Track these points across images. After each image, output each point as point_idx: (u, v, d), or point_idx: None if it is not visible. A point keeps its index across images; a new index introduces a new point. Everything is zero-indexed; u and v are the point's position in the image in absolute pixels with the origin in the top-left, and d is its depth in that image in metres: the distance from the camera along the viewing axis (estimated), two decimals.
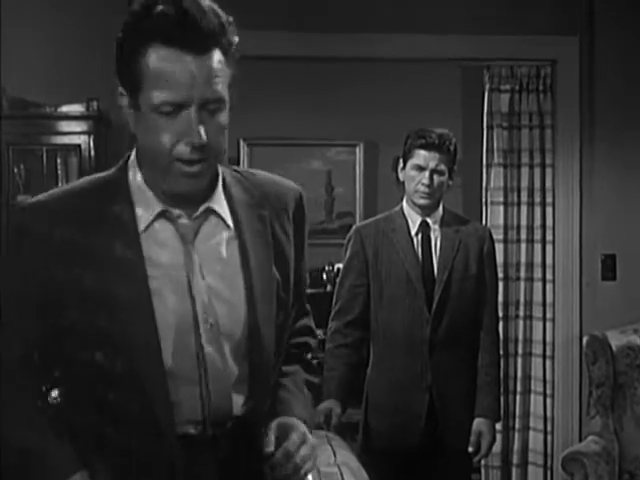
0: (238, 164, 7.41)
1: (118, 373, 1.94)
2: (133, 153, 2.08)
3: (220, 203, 2.06)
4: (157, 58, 1.86)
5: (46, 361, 2.03)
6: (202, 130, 1.88)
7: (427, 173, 4.07)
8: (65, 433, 1.99)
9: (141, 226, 1.98)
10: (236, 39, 1.93)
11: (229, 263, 2.06)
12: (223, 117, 1.94)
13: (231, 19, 1.92)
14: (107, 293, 1.92)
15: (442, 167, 4.09)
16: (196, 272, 2.00)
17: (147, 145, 1.95)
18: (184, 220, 2.01)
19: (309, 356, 2.34)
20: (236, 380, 2.06)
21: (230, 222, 2.06)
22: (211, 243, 2.05)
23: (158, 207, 2.00)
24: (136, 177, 2.04)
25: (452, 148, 4.12)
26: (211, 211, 2.04)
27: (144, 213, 2.00)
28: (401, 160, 4.20)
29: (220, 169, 2.09)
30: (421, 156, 4.08)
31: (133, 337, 1.93)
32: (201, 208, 2.02)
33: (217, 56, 1.89)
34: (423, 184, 4.08)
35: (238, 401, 2.06)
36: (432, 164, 4.07)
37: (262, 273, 2.07)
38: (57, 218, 1.97)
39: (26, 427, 1.98)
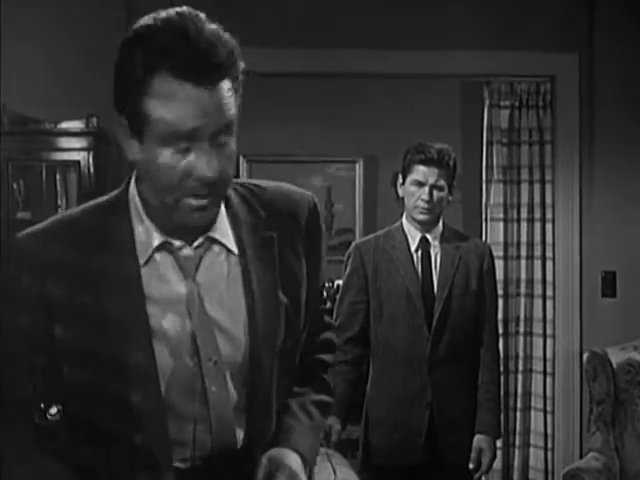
0: None
1: (115, 403, 1.89)
2: (133, 179, 1.98)
3: (223, 230, 1.98)
4: (165, 90, 1.75)
5: (45, 388, 1.95)
6: (214, 165, 1.79)
7: (426, 189, 4.07)
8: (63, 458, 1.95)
9: (141, 260, 1.91)
10: (242, 64, 1.84)
11: (231, 291, 1.99)
12: (233, 144, 1.85)
13: (236, 43, 1.82)
14: (106, 325, 1.87)
15: (441, 182, 4.08)
16: (196, 307, 1.93)
17: (152, 178, 1.83)
18: (185, 251, 1.94)
19: (324, 375, 2.27)
20: (235, 407, 2.01)
21: (234, 248, 1.98)
22: (213, 273, 1.97)
23: (157, 239, 1.92)
24: (137, 206, 1.95)
25: (451, 163, 4.12)
26: (212, 240, 1.97)
27: (144, 245, 1.92)
28: (400, 176, 4.20)
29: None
30: (420, 171, 4.08)
31: (133, 373, 1.87)
32: (201, 238, 1.94)
33: (226, 85, 1.79)
34: (423, 200, 4.07)
35: (239, 434, 2.01)
36: (431, 179, 4.07)
37: (265, 298, 2.00)
38: (55, 247, 1.91)
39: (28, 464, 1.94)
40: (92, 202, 2.05)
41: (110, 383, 1.88)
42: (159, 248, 1.93)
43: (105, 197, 2.04)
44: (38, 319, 1.90)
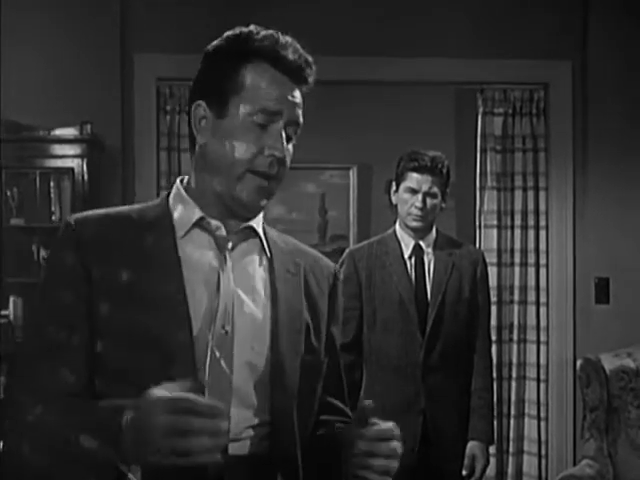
0: None
1: (152, 377, 1.84)
2: (173, 190, 2.10)
3: (259, 229, 2.08)
4: (262, 72, 1.98)
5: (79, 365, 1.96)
6: (284, 147, 1.98)
7: (420, 196, 4.07)
8: None
9: (179, 233, 2.00)
10: (312, 85, 2.07)
11: (259, 287, 2.04)
12: (292, 148, 2.05)
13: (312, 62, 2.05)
14: (144, 297, 1.92)
15: (435, 190, 4.09)
16: (227, 275, 1.98)
17: (223, 152, 1.97)
18: (222, 232, 2.02)
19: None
20: (256, 412, 1.99)
21: (268, 251, 2.07)
22: (246, 260, 2.04)
23: (197, 214, 2.01)
24: (180, 193, 2.07)
25: (445, 171, 4.13)
26: (252, 231, 2.06)
27: (182, 221, 2.02)
28: (394, 183, 4.21)
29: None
30: (414, 179, 4.08)
31: (170, 344, 1.90)
32: (243, 224, 2.04)
33: (300, 94, 2.05)
34: (416, 207, 4.08)
35: (254, 440, 1.99)
36: (425, 187, 4.07)
37: (290, 311, 2.04)
38: (101, 227, 1.99)
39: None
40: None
41: (147, 355, 1.90)
42: (197, 224, 2.01)
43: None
44: (80, 293, 1.94)
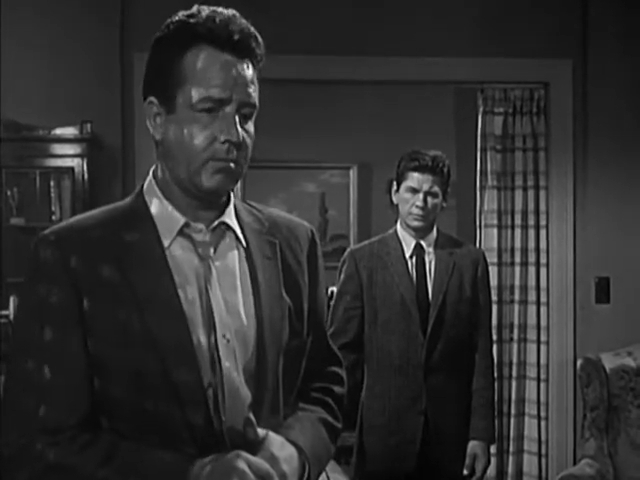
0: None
1: (153, 379, 1.90)
2: (147, 181, 2.08)
3: (233, 222, 2.07)
4: (202, 57, 1.94)
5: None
6: (238, 131, 1.94)
7: (421, 195, 4.07)
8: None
9: (165, 242, 1.98)
10: (263, 57, 2.03)
11: (242, 281, 2.05)
12: (252, 126, 2.02)
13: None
14: (140, 306, 1.92)
15: (436, 189, 4.09)
16: (214, 284, 1.99)
17: (180, 146, 1.96)
18: (202, 237, 2.01)
19: (335, 404, 2.27)
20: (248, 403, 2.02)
21: (243, 241, 2.07)
22: (227, 260, 2.04)
23: (180, 221, 2.00)
24: (156, 193, 2.05)
25: (445, 170, 4.12)
26: (227, 227, 2.05)
27: (166, 227, 2.00)
28: (395, 183, 4.20)
29: (232, 194, 2.11)
30: (414, 178, 4.08)
31: (171, 351, 1.91)
32: (216, 221, 2.03)
33: (251, 70, 1.99)
34: (417, 206, 4.08)
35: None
36: (426, 186, 4.07)
37: (271, 296, 2.06)
38: (80, 246, 1.95)
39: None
40: (109, 205, 2.10)
41: (147, 363, 1.90)
42: (179, 233, 2.00)
43: (120, 202, 2.11)
44: (70, 300, 1.92)
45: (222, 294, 2.00)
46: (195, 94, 1.93)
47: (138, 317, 1.90)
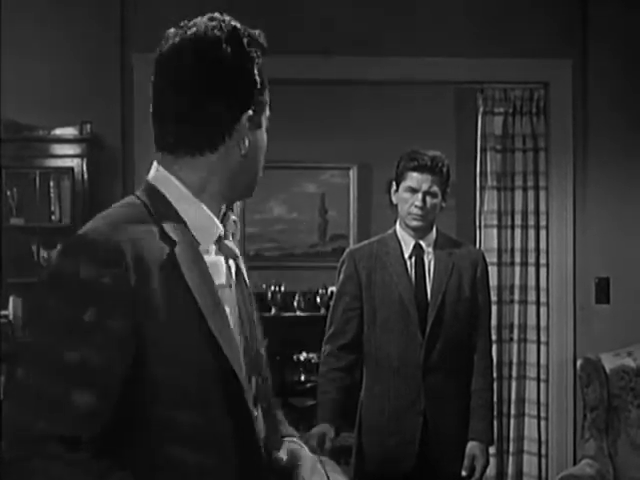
0: None
1: (204, 396, 1.89)
2: (179, 191, 1.99)
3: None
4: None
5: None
6: None
7: (420, 195, 4.07)
8: None
9: (202, 245, 1.97)
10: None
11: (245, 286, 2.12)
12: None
13: None
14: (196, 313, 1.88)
15: (435, 189, 4.09)
16: (234, 288, 2.05)
17: (259, 159, 2.10)
18: (226, 242, 2.05)
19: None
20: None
21: (237, 249, 2.10)
22: (240, 267, 2.11)
23: (219, 228, 2.01)
24: (193, 204, 1.99)
25: (444, 170, 4.13)
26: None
27: (204, 233, 1.99)
28: (394, 183, 4.20)
29: None
30: (413, 178, 4.08)
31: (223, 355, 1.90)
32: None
33: None
34: (416, 206, 4.08)
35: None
36: (424, 186, 4.07)
37: (252, 302, 2.14)
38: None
39: None
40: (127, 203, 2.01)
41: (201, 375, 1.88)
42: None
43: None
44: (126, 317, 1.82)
45: (245, 304, 2.09)
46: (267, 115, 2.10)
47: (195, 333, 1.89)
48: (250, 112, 1.99)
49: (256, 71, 2.00)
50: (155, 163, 2.02)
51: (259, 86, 2.02)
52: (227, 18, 2.01)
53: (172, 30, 2.00)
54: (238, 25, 2.01)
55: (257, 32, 2.05)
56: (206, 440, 1.87)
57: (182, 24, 2.01)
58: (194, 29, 1.98)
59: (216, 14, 2.02)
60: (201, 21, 2.00)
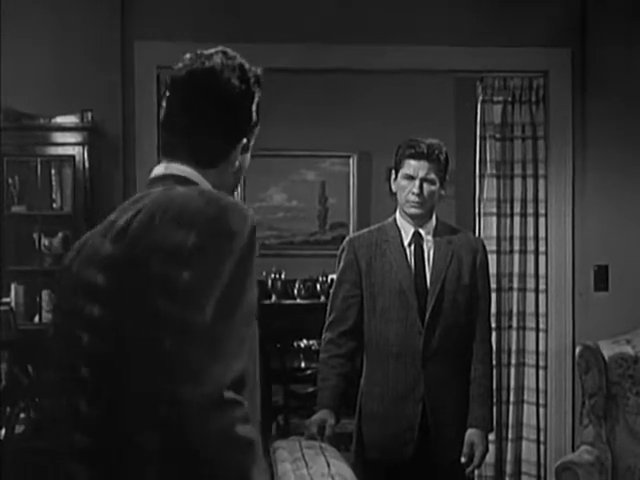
0: None
1: None
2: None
3: None
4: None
5: None
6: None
7: (417, 182, 4.09)
8: None
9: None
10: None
11: None
12: None
13: None
14: None
15: (432, 176, 4.10)
16: None
17: (240, 175, 2.42)
18: None
19: None
20: None
21: None
22: None
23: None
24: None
25: (442, 157, 4.14)
26: None
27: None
28: (393, 171, 4.22)
29: None
30: (411, 165, 4.10)
31: None
32: None
33: None
34: (413, 193, 4.09)
35: None
36: (422, 173, 4.09)
37: None
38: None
39: None
40: None
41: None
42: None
43: None
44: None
45: None
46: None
47: None
48: (244, 141, 2.35)
49: (254, 107, 2.34)
50: (165, 162, 2.38)
51: (254, 121, 2.36)
52: (237, 56, 2.30)
53: (189, 56, 2.29)
54: (246, 65, 2.29)
55: (259, 69, 2.33)
56: None
57: (199, 52, 2.28)
58: (211, 64, 2.26)
59: (229, 50, 2.29)
60: (217, 57, 2.27)
